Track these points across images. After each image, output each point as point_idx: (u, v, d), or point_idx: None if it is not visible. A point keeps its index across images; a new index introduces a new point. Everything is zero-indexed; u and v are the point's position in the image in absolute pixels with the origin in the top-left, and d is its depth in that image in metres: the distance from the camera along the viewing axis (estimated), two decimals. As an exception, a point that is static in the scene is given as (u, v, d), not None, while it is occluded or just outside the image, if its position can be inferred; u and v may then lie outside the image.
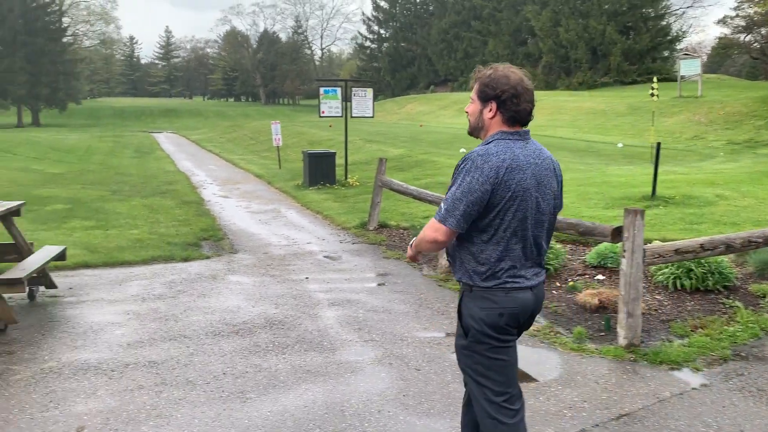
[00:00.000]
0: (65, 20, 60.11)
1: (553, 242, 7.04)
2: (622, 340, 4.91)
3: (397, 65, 66.56)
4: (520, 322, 2.67)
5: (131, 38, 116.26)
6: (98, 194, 13.29)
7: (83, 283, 6.70)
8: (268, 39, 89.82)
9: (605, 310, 5.63)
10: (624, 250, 4.87)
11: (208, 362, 4.61)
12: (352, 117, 14.18)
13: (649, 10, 50.61)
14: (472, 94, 2.70)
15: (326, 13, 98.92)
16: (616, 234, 5.03)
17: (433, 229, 2.60)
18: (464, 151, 18.77)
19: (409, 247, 2.87)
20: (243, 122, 48.22)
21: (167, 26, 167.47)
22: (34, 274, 5.55)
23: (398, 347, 4.92)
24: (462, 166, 2.56)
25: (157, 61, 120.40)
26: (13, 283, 5.06)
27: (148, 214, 10.88)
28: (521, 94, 2.57)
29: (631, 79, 47.86)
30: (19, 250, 6.18)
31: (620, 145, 20.87)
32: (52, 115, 58.45)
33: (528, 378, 4.42)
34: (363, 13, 72.43)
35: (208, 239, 8.97)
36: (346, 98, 14.04)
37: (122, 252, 7.95)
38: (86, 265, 7.40)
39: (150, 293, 6.33)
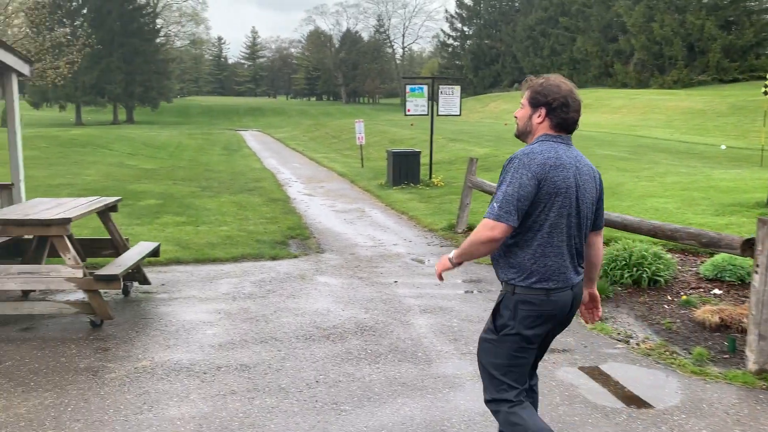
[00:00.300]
0: (158, 21, 62.74)
1: (663, 251, 6.50)
2: (751, 365, 4.39)
3: (480, 63, 65.60)
4: (554, 321, 2.77)
5: (219, 39, 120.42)
6: (189, 190, 13.59)
7: (175, 279, 6.74)
8: (350, 38, 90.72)
9: (727, 330, 5.09)
10: (757, 265, 4.34)
11: (300, 368, 4.44)
12: (438, 115, 13.87)
13: (753, 4, 47.50)
14: (523, 99, 2.83)
15: (408, 12, 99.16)
16: (747, 247, 4.50)
17: (488, 228, 2.61)
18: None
19: (447, 261, 2.82)
20: (325, 121, 48.80)
21: (253, 27, 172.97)
22: (130, 270, 5.58)
23: (498, 361, 4.58)
24: (509, 165, 2.68)
25: (243, 61, 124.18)
26: (110, 280, 5.07)
27: (236, 211, 10.98)
28: (570, 104, 2.72)
29: (731, 77, 45.09)
30: (115, 246, 6.26)
31: (723, 147, 19.55)
32: (144, 113, 61.20)
33: (643, 404, 3.99)
34: (446, 11, 71.76)
35: (295, 238, 8.91)
36: (432, 96, 13.74)
37: (213, 249, 7.98)
38: (178, 261, 7.46)
39: (240, 292, 6.27)
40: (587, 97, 41.53)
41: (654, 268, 6.22)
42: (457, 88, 13.85)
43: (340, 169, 18.11)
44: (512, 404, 2.79)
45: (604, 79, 53.11)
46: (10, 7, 16.84)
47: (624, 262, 6.35)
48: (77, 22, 51.03)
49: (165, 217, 10.13)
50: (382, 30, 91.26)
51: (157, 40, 60.24)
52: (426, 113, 13.80)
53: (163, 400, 3.95)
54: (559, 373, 4.44)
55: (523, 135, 2.87)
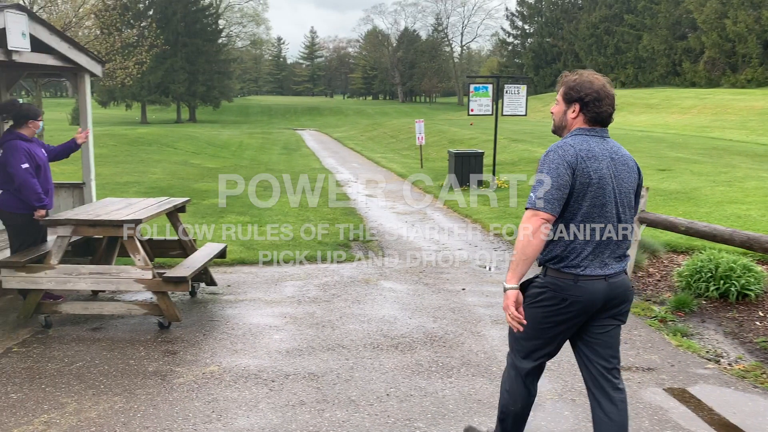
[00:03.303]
0: (221, 22, 64.12)
1: (753, 263, 6.05)
2: None
3: (541, 61, 64.29)
4: (587, 310, 2.81)
5: (279, 39, 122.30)
6: (251, 189, 13.67)
7: (240, 280, 6.70)
8: (408, 37, 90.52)
9: (832, 353, 4.66)
10: None
11: (370, 379, 4.28)
12: (502, 115, 13.53)
13: (835, -2, 44.85)
14: (558, 96, 2.94)
15: (468, 10, 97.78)
16: None
17: (531, 221, 2.70)
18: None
19: (508, 293, 2.83)
20: (382, 120, 48.77)
21: (312, 27, 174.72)
22: (198, 272, 5.54)
23: (579, 380, 4.30)
24: (545, 157, 2.77)
25: (301, 61, 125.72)
26: (179, 282, 5.04)
27: (298, 212, 10.95)
28: (603, 98, 2.79)
29: (810, 76, 42.71)
30: (183, 246, 6.25)
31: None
32: (206, 112, 62.63)
33: (744, 434, 3.65)
34: (507, 9, 70.96)
35: (357, 240, 8.79)
36: (497, 96, 13.41)
37: (275, 249, 7.93)
38: (242, 262, 7.43)
39: (305, 295, 6.17)
40: (654, 96, 40.10)
41: (743, 281, 5.79)
42: (523, 88, 13.46)
43: (399, 170, 17.95)
44: (520, 373, 3.04)
45: (672, 78, 51.21)
46: (81, 9, 17.42)
47: (710, 274, 5.94)
48: (143, 23, 52.61)
49: (229, 217, 10.18)
50: (440, 28, 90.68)
51: (219, 41, 61.49)
52: (490, 113, 13.48)
53: (232, 409, 3.86)
54: (645, 394, 4.14)
55: (558, 130, 2.97)
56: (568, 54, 62.51)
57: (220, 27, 63.56)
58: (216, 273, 6.70)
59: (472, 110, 13.44)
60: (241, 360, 4.60)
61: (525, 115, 13.70)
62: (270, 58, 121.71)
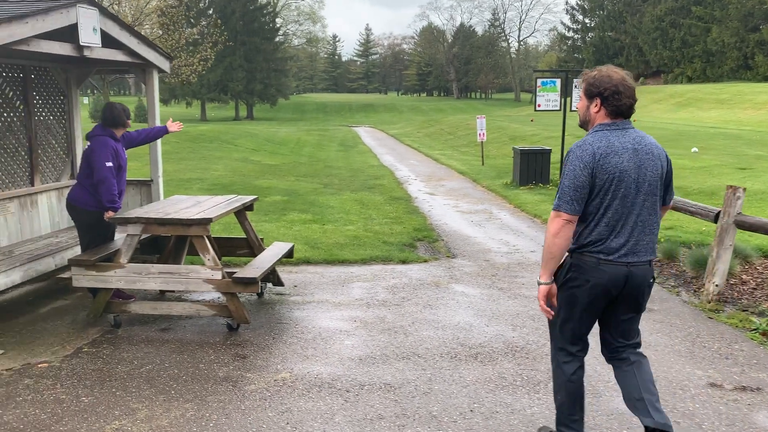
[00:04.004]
0: (278, 20, 64.82)
1: None
2: None
3: (603, 56, 62.39)
4: (610, 294, 2.98)
5: (334, 37, 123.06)
6: (311, 187, 13.58)
7: (307, 281, 6.52)
8: (464, 33, 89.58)
9: None
10: None
11: (450, 393, 4.00)
12: (571, 111, 12.99)
13: None
14: (581, 92, 3.08)
15: (525, 5, 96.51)
16: None
17: (553, 222, 2.93)
18: (696, 150, 16.57)
19: (542, 288, 3.05)
20: (437, 117, 48.37)
21: (367, 24, 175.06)
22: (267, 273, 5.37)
23: (680, 400, 3.93)
24: (566, 158, 2.96)
25: (356, 58, 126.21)
26: (249, 283, 4.87)
27: (359, 210, 10.75)
28: (622, 92, 2.91)
29: None
30: (251, 245, 6.11)
31: None
32: (263, 109, 63.49)
33: None
34: (567, 2, 68.69)
35: (422, 240, 8.51)
36: (565, 91, 12.89)
37: (341, 249, 7.73)
38: (308, 262, 7.26)
39: (374, 298, 5.93)
40: (724, 91, 38.33)
41: None
42: (592, 82, 12.88)
43: (459, 167, 17.58)
44: (566, 357, 3.18)
45: (743, 72, 48.92)
46: (147, 7, 17.69)
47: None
48: (203, 22, 53.64)
49: (291, 214, 10.06)
50: (497, 24, 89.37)
51: (276, 39, 62.20)
52: (558, 108, 12.98)
53: (307, 421, 3.64)
54: (758, 417, 3.72)
55: (584, 124, 3.12)
56: (632, 48, 60.56)
57: (277, 25, 64.28)
58: (282, 272, 6.55)
59: (539, 106, 12.97)
60: (313, 367, 4.39)
61: (594, 110, 13.12)
62: (325, 55, 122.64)
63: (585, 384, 3.29)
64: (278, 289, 6.18)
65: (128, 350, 4.68)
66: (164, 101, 56.62)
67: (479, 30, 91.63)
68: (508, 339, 4.93)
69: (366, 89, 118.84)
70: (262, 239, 6.18)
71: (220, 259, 6.21)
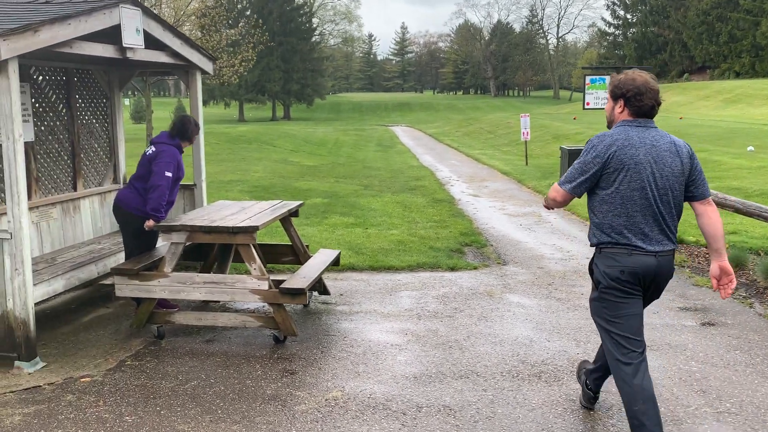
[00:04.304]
0: (314, 21, 64.92)
1: None
2: None
3: (645, 52, 60.88)
4: (642, 282, 3.08)
5: (370, 36, 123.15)
6: (351, 188, 13.36)
7: (353, 289, 6.27)
8: (501, 30, 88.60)
9: None
10: None
11: (516, 417, 3.70)
12: (620, 110, 12.50)
13: None
14: (607, 95, 3.27)
15: (564, 0, 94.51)
16: None
17: (554, 191, 3.22)
18: (752, 149, 15.85)
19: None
20: (474, 115, 47.81)
21: (403, 22, 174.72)
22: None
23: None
24: (586, 146, 3.13)
25: (391, 57, 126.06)
26: (296, 294, 4.64)
27: (402, 212, 10.48)
28: (644, 93, 3.06)
29: None
30: (296, 252, 5.89)
31: None
32: (300, 110, 63.71)
33: None
34: (607, -3, 67.28)
35: (470, 245, 8.19)
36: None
37: (386, 255, 7.47)
38: (353, 268, 7.02)
39: (424, 309, 5.65)
40: (775, 87, 36.90)
41: None
42: (644, 79, 12.37)
43: (502, 167, 17.16)
44: (626, 364, 3.14)
45: (794, 67, 47.16)
46: (189, 7, 17.70)
47: None
48: (242, 23, 54.04)
49: (332, 218, 9.85)
50: (535, 20, 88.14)
51: (313, 39, 62.33)
52: (607, 107, 12.50)
53: (363, 449, 3.38)
54: None
55: (610, 124, 3.28)
56: (675, 43, 58.92)
57: (314, 25, 64.39)
58: (327, 280, 6.31)
59: (587, 104, 12.52)
60: (366, 385, 4.13)
61: (646, 108, 12.59)
62: (361, 55, 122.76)
63: (662, 409, 2.97)
64: (324, 297, 5.94)
65: (172, 364, 4.49)
66: (203, 102, 57.22)
67: (517, 27, 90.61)
68: (572, 356, 4.59)
69: (401, 88, 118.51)
70: (307, 246, 5.95)
71: (265, 267, 6.01)
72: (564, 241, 8.34)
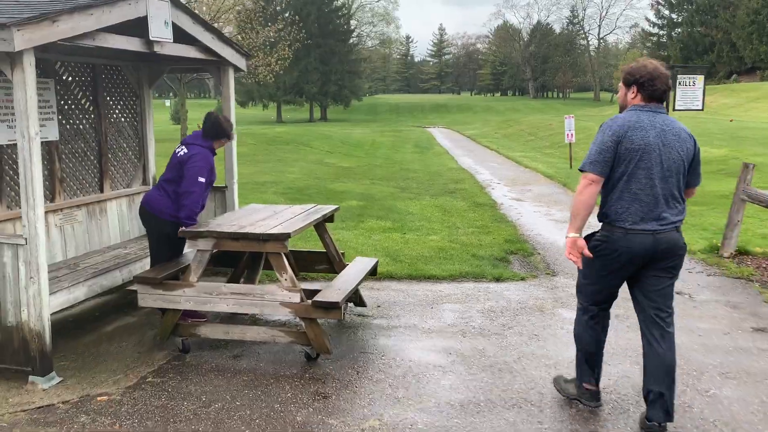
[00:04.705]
0: (352, 22, 64.74)
1: None
2: None
3: (691, 53, 59.05)
4: (637, 261, 3.29)
5: (407, 37, 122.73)
6: (388, 191, 12.96)
7: (391, 300, 5.85)
8: (541, 31, 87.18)
9: None
10: None
11: (578, 459, 3.22)
12: (674, 110, 11.80)
13: None
14: (620, 82, 3.43)
15: (606, 1, 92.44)
16: None
17: (583, 182, 3.28)
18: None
19: (570, 240, 3.33)
20: (513, 117, 47.00)
21: (441, 24, 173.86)
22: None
23: None
24: (600, 128, 3.33)
25: (429, 59, 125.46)
26: (330, 308, 4.24)
27: (441, 217, 10.02)
28: (656, 78, 3.27)
29: None
30: (330, 260, 5.50)
31: None
32: (337, 111, 63.60)
33: None
34: (651, -3, 65.53)
35: (515, 253, 7.69)
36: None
37: (426, 263, 7.03)
38: (391, 276, 6.60)
39: (469, 324, 5.20)
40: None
41: None
42: (700, 79, 11.67)
43: (545, 170, 16.54)
44: (586, 314, 3.58)
45: None
46: (225, 3, 17.48)
47: None
48: (280, 26, 54.25)
49: (368, 221, 9.45)
50: (575, 21, 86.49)
51: (351, 41, 62.17)
52: (659, 108, 11.82)
53: (404, 493, 2.95)
54: None
55: (622, 110, 3.39)
56: (724, 44, 57.00)
57: (352, 27, 64.25)
58: (363, 289, 5.90)
59: (637, 104, 11.83)
60: (407, 413, 3.70)
61: (701, 109, 11.89)
62: (398, 56, 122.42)
63: None
64: (360, 309, 5.54)
65: (196, 381, 4.14)
66: (241, 103, 57.58)
67: (557, 28, 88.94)
68: (637, 383, 4.08)
69: (439, 89, 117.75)
70: (342, 253, 5.56)
71: (297, 274, 5.64)
72: (617, 251, 7.76)
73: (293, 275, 4.36)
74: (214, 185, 6.48)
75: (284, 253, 4.35)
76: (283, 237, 4.27)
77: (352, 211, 10.35)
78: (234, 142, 6.24)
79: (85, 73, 5.71)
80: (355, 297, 5.44)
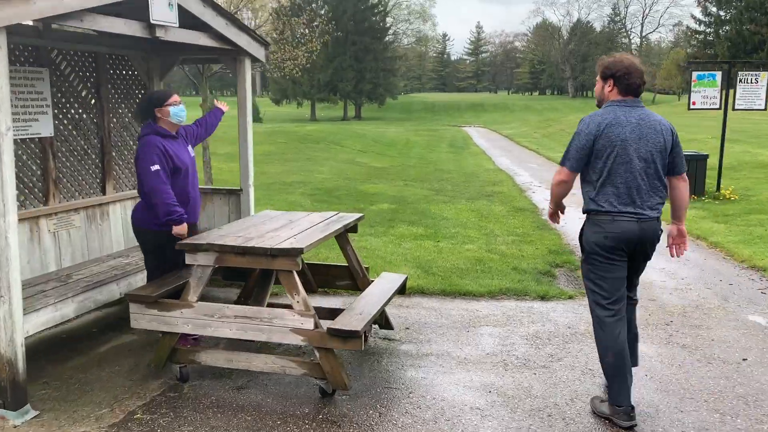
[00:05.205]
0: (388, 20, 64.01)
1: None
2: None
3: (739, 51, 56.71)
4: (626, 246, 3.40)
5: (444, 35, 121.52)
6: (422, 193, 12.27)
7: (421, 320, 5.18)
8: (580, 29, 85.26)
9: None
10: None
11: None
12: (734, 110, 10.88)
13: None
14: (597, 76, 3.60)
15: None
16: None
17: (556, 173, 3.54)
18: None
19: (549, 210, 3.81)
20: (553, 116, 45.79)
21: (478, 22, 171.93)
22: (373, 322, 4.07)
23: None
24: (578, 126, 3.47)
25: (465, 57, 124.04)
26: (350, 337, 3.60)
27: (478, 223, 9.30)
28: (632, 72, 3.41)
29: None
30: (353, 276, 4.85)
31: None
32: (371, 109, 63.05)
33: None
34: (698, -6, 63.29)
35: (561, 266, 6.94)
36: (729, 85, 10.78)
37: (462, 277, 6.34)
38: (422, 292, 5.94)
39: (511, 354, 4.49)
40: None
41: None
42: (764, 75, 10.70)
43: (587, 173, 15.63)
44: (604, 312, 3.52)
45: None
46: (257, 3, 16.96)
47: None
48: (315, 23, 53.90)
49: (400, 227, 8.79)
50: (617, 19, 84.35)
51: (386, 38, 61.48)
52: (718, 107, 10.89)
53: None
54: None
55: (599, 103, 3.59)
56: (774, 42, 54.57)
57: (387, 24, 63.55)
58: (390, 307, 5.26)
59: (693, 103, 10.94)
60: (437, 474, 3.03)
61: (764, 109, 10.91)
62: (434, 55, 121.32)
63: None
64: (385, 332, 4.88)
65: (191, 420, 3.54)
66: (275, 101, 57.46)
67: (597, 26, 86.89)
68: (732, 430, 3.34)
69: (475, 88, 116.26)
70: (367, 268, 4.90)
71: (314, 291, 5.01)
72: (673, 264, 6.96)
73: (306, 297, 3.72)
74: (229, 189, 5.91)
75: (297, 271, 3.72)
76: (294, 253, 3.64)
77: (383, 216, 9.70)
78: (250, 138, 5.65)
79: (87, 62, 5.17)
80: (381, 318, 4.79)
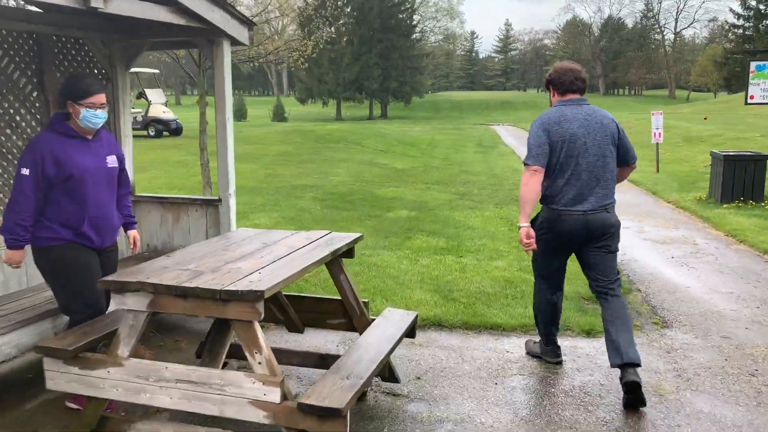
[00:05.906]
0: (415, 17, 62.80)
1: None
2: None
3: (781, 46, 54.42)
4: (575, 239, 3.68)
5: (472, 33, 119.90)
6: (445, 198, 11.17)
7: (437, 366, 4.13)
8: (612, 25, 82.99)
9: None
10: None
11: None
12: (746, 103, 9.58)
13: None
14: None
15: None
16: None
17: (526, 174, 3.63)
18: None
19: (522, 230, 3.66)
20: (585, 115, 44.13)
21: (507, 19, 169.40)
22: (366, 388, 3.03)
23: None
24: (531, 126, 3.73)
25: (494, 55, 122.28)
26: (327, 416, 2.57)
27: (508, 233, 8.19)
28: (563, 74, 3.72)
29: None
30: (347, 312, 3.82)
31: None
32: (397, 108, 61.96)
33: None
34: (737, -12, 60.86)
35: (607, 289, 5.80)
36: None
37: (488, 304, 5.28)
38: (439, 324, 4.89)
39: (553, 419, 3.41)
40: None
41: None
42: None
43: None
44: (543, 285, 4.00)
45: None
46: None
47: None
48: (341, 21, 52.99)
49: (418, 238, 7.74)
50: (650, 15, 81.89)
51: (413, 36, 60.33)
52: (781, 101, 9.62)
53: None
54: None
55: None
56: (818, 35, 52.13)
57: (414, 22, 62.38)
58: (399, 347, 4.21)
59: (751, 97, 9.70)
60: None
61: (835, 103, 9.59)
62: (462, 52, 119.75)
63: None
64: (389, 385, 3.84)
65: None
66: (300, 100, 56.76)
67: (629, 22, 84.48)
68: None
69: (504, 86, 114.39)
70: (366, 303, 3.87)
71: (300, 330, 4.00)
72: (744, 286, 5.79)
73: (271, 357, 2.70)
74: (206, 198, 4.94)
75: (258, 321, 2.70)
76: (252, 297, 2.62)
77: (400, 224, 8.66)
78: (230, 142, 4.67)
79: (25, 45, 4.22)
80: (385, 371, 3.75)
